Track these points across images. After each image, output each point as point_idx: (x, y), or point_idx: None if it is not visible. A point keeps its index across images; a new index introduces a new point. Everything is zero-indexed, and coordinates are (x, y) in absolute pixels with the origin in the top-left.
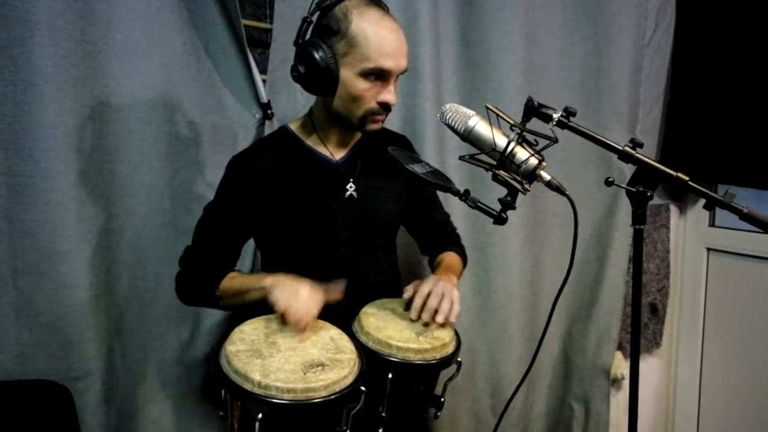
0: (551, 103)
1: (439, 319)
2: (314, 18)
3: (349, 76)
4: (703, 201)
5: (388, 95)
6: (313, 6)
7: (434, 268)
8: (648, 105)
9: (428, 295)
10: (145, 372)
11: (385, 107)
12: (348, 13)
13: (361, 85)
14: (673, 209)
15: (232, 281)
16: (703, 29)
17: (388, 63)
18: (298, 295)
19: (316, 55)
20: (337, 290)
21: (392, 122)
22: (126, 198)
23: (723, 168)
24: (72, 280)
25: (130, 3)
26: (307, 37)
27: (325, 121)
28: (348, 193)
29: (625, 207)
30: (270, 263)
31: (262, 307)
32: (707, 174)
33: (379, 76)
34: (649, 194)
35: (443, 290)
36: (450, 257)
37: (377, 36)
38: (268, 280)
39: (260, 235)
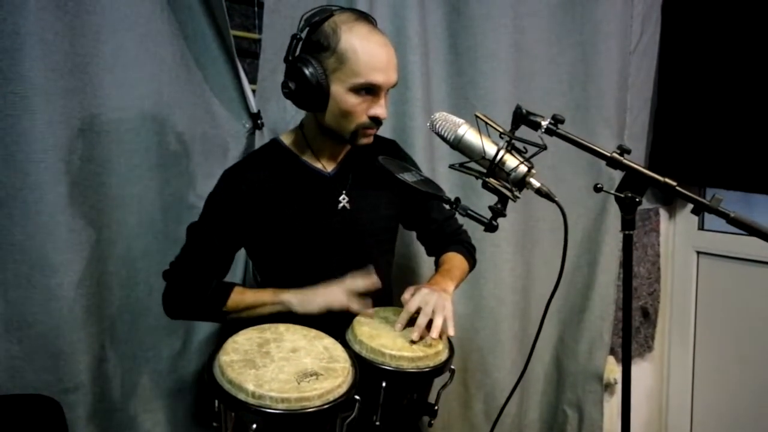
0: (540, 109)
1: (434, 334)
2: (303, 34)
3: (339, 92)
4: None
5: (379, 109)
6: (302, 22)
7: (437, 270)
8: (635, 111)
9: (417, 309)
10: (137, 383)
11: (376, 121)
12: (337, 28)
13: (352, 100)
14: (663, 213)
15: (242, 296)
16: (688, 35)
17: (377, 77)
18: (336, 291)
19: (306, 72)
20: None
21: (382, 131)
22: (116, 209)
23: (711, 172)
24: (63, 292)
25: (120, 14)
26: (297, 53)
27: (316, 134)
28: (341, 204)
29: (614, 212)
30: (263, 274)
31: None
32: (695, 178)
33: (370, 90)
34: (637, 200)
35: (434, 306)
36: (451, 258)
37: (366, 51)
38: (288, 296)
39: (253, 247)
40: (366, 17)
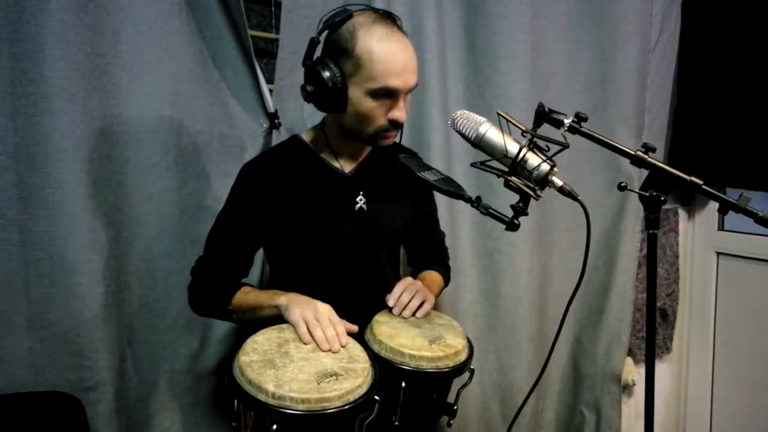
0: (557, 108)
1: (406, 314)
2: (322, 37)
3: (357, 96)
4: (711, 205)
5: (397, 112)
6: (321, 25)
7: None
8: (654, 110)
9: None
10: (156, 382)
11: (395, 124)
12: (354, 31)
13: (369, 104)
14: (682, 213)
15: (246, 296)
16: (708, 33)
17: (395, 82)
18: (318, 312)
19: (324, 75)
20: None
21: None
22: (136, 208)
23: (731, 171)
24: (83, 291)
25: (139, 15)
26: (317, 56)
27: (336, 133)
28: (358, 206)
29: (632, 212)
30: (277, 273)
31: (275, 318)
32: (716, 178)
33: (387, 94)
34: (662, 198)
35: (416, 288)
36: (431, 275)
37: (383, 55)
38: (283, 299)
39: (269, 244)
40: (386, 17)
